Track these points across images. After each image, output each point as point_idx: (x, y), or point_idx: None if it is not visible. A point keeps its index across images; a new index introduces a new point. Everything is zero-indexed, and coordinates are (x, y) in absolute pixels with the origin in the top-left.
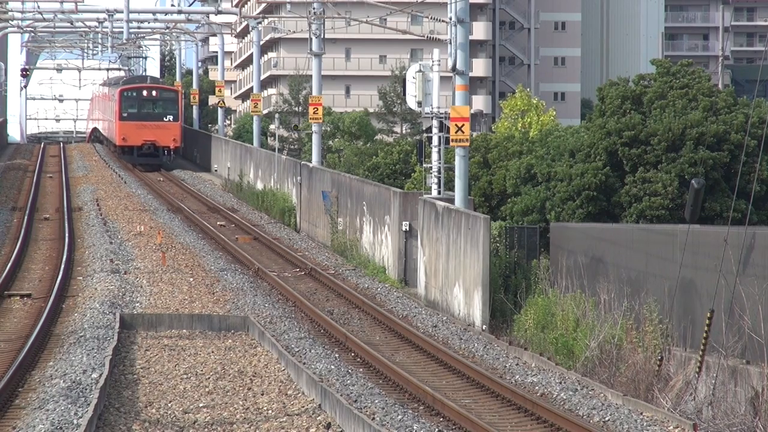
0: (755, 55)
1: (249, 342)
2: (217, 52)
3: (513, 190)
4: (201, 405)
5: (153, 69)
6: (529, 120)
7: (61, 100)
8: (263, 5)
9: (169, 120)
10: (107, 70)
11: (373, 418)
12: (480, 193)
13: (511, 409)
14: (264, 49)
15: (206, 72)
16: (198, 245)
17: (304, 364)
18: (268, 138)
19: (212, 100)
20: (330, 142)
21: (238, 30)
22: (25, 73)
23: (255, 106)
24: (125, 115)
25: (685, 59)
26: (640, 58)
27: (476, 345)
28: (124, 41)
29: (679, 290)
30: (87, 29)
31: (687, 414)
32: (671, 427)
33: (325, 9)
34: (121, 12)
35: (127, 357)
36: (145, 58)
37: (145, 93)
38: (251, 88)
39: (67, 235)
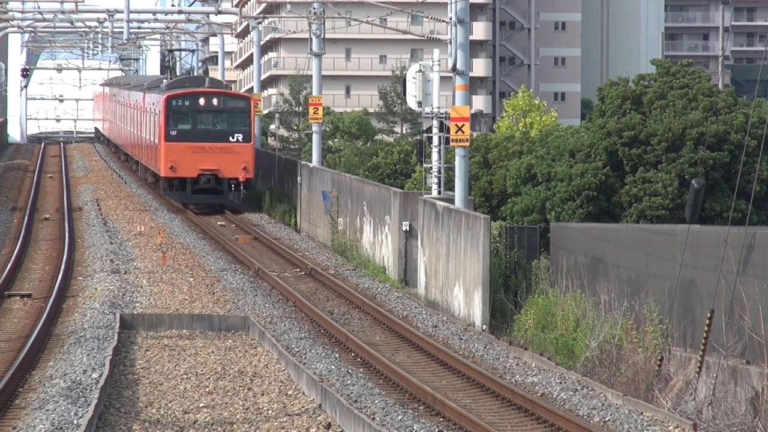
0: (755, 55)
1: (249, 342)
2: (217, 52)
3: (513, 190)
4: (201, 405)
5: (153, 69)
6: (530, 120)
7: (61, 100)
8: (263, 5)
9: (238, 140)
10: (121, 69)
11: (374, 418)
12: (480, 193)
13: (511, 409)
14: (264, 49)
15: (206, 72)
16: (198, 245)
17: (305, 364)
18: (269, 138)
19: None
20: (330, 142)
21: (239, 30)
22: (26, 73)
23: (255, 106)
24: (174, 133)
25: (685, 59)
26: (640, 58)
27: (476, 345)
28: (124, 41)
29: (679, 290)
30: (87, 29)
31: (687, 414)
32: (671, 427)
33: (325, 9)
34: (121, 12)
35: (127, 357)
36: (193, 51)
37: (202, 101)
38: (251, 88)
39: (67, 235)
